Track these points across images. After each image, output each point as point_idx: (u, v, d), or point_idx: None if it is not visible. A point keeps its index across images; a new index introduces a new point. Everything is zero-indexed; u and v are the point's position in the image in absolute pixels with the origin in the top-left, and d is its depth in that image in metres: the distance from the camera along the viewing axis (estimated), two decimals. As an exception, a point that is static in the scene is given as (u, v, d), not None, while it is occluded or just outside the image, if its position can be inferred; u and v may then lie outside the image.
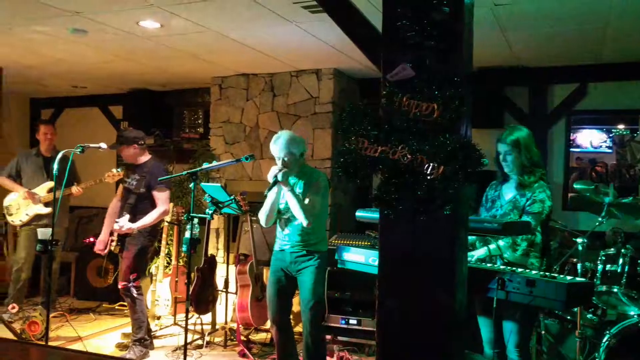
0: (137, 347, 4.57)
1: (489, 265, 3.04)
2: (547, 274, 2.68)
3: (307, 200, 3.77)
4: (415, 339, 1.99)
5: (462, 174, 1.84)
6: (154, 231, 4.78)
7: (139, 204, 4.59)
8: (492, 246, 3.14)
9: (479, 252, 3.18)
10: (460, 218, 1.99)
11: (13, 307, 5.17)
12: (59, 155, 4.23)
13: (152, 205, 4.62)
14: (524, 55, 5.11)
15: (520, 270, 2.84)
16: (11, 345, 2.84)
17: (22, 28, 4.62)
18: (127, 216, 4.53)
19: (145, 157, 4.77)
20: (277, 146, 3.75)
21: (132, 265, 4.54)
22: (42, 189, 5.52)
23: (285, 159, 3.74)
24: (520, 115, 5.63)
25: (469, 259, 3.04)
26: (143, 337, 4.63)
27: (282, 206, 3.89)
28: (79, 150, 4.32)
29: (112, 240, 4.67)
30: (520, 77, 5.61)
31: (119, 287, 4.57)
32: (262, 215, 3.90)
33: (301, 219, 3.72)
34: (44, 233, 4.24)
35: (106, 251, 4.79)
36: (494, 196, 3.34)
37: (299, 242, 3.87)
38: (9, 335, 4.67)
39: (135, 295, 4.54)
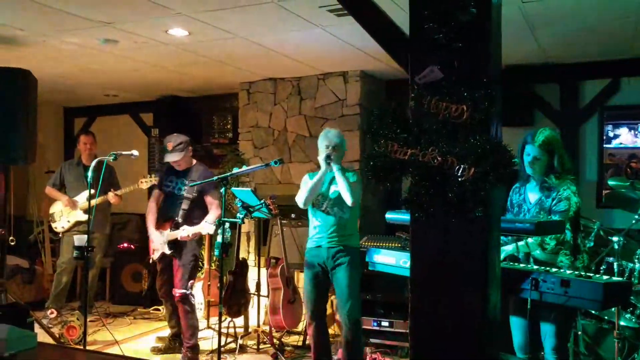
0: (190, 354, 4.55)
1: (521, 265, 3.01)
2: (582, 273, 2.65)
3: None
4: (448, 342, 1.98)
5: (493, 175, 1.83)
6: (201, 237, 4.76)
7: (194, 210, 4.54)
8: (521, 242, 3.11)
9: (507, 248, 3.15)
10: (492, 219, 1.97)
11: (52, 312, 5.31)
12: (93, 163, 4.32)
13: (203, 210, 4.57)
14: (553, 51, 5.04)
15: (554, 270, 2.81)
16: (51, 349, 2.92)
17: (55, 39, 4.74)
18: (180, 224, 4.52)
19: (192, 162, 4.71)
20: (329, 136, 4.00)
21: (190, 273, 4.52)
22: (83, 197, 5.68)
23: (335, 147, 3.97)
24: (551, 113, 5.55)
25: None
26: (196, 344, 4.61)
27: (330, 194, 4.01)
28: (111, 157, 4.39)
29: (154, 250, 4.62)
30: (550, 73, 5.53)
31: (177, 295, 4.48)
32: (302, 195, 4.04)
33: (347, 197, 3.88)
34: (80, 240, 4.34)
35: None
36: (519, 200, 3.28)
37: (334, 235, 3.98)
38: (49, 339, 4.77)
39: (193, 302, 4.57)
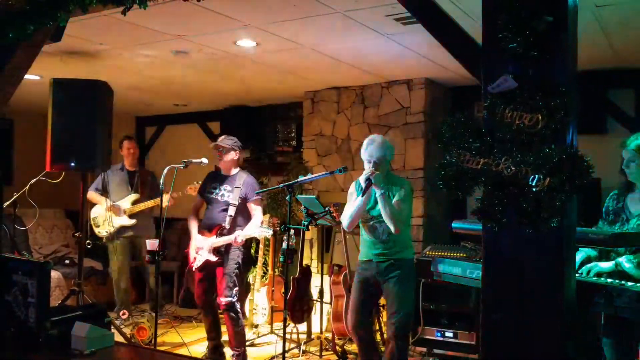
0: None
1: (594, 278, 2.89)
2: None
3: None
4: (521, 356, 1.94)
5: (569, 186, 1.79)
6: (246, 245, 4.71)
7: (238, 216, 4.53)
8: (623, 260, 2.90)
9: (606, 265, 2.94)
10: (567, 231, 1.93)
11: (124, 314, 5.50)
12: (165, 171, 4.43)
13: (245, 217, 4.57)
14: (628, 55, 4.85)
15: (630, 284, 2.70)
16: (127, 348, 3.05)
17: (131, 52, 4.97)
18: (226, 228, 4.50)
19: (236, 169, 4.70)
20: (371, 149, 3.76)
21: (235, 281, 4.47)
22: (127, 201, 5.77)
23: (378, 162, 3.74)
24: (625, 119, 5.32)
25: (594, 268, 2.90)
26: (244, 352, 4.59)
27: (369, 213, 3.87)
28: (182, 165, 4.51)
29: (194, 258, 4.54)
30: (625, 78, 5.32)
31: (222, 303, 4.42)
32: (347, 217, 3.89)
33: (390, 225, 3.69)
34: (152, 244, 4.48)
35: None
36: (617, 208, 3.11)
37: (383, 250, 3.84)
38: (121, 339, 4.96)
39: (239, 310, 4.51)
